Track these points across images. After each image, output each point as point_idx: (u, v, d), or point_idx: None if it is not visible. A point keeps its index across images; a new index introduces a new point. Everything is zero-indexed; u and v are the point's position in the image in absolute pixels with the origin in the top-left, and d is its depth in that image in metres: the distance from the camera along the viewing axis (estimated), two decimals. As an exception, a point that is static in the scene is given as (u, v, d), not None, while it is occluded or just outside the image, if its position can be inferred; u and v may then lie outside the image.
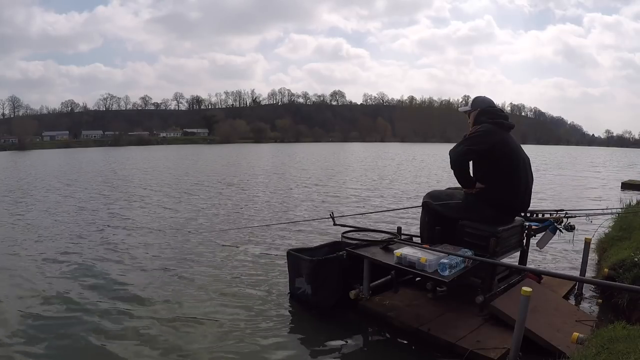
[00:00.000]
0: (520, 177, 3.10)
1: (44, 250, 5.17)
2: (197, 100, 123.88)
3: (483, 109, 3.20)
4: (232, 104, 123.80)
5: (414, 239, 3.72)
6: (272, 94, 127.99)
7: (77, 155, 39.29)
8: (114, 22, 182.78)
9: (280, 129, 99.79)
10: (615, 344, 2.05)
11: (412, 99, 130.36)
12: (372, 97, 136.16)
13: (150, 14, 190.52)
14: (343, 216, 4.91)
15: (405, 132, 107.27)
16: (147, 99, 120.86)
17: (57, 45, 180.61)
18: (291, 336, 3.01)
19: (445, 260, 2.74)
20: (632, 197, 6.90)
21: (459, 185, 3.22)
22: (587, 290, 3.64)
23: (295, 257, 3.45)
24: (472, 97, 3.43)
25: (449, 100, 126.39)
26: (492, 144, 3.01)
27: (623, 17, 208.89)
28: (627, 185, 12.04)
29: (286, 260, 3.60)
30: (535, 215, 3.58)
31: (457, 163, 3.07)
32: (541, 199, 8.82)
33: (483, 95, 3.35)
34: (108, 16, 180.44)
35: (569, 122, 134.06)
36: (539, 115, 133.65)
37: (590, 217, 3.86)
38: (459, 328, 2.79)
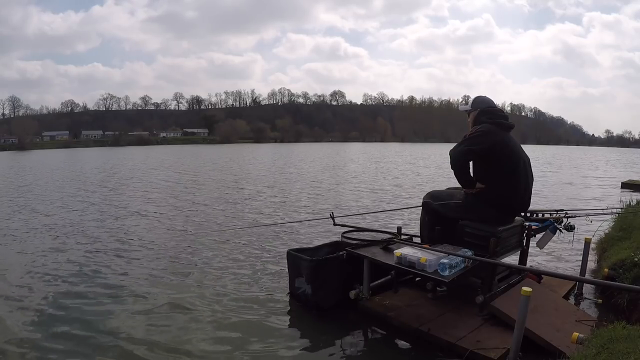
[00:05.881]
0: (520, 177, 3.10)
1: (44, 247, 5.18)
2: (197, 100, 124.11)
3: (483, 109, 3.20)
4: (232, 104, 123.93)
5: (414, 239, 3.72)
6: (272, 94, 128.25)
7: (78, 155, 39.26)
8: (111, 21, 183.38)
9: (280, 129, 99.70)
10: (615, 344, 2.05)
11: (412, 99, 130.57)
12: (372, 97, 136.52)
13: (146, 13, 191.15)
14: (343, 216, 4.91)
15: (405, 132, 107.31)
16: (147, 99, 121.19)
17: (54, 45, 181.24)
18: (291, 336, 3.01)
19: (445, 260, 2.74)
20: (632, 197, 6.89)
21: (459, 185, 3.22)
22: (587, 290, 3.63)
23: (295, 257, 3.45)
24: (472, 96, 3.43)
25: (449, 100, 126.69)
26: (492, 144, 3.01)
27: (623, 16, 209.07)
28: (627, 185, 12.04)
29: (286, 260, 3.60)
30: (535, 215, 3.58)
31: (458, 163, 3.07)
32: (541, 199, 8.82)
33: (483, 95, 3.35)
34: (104, 16, 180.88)
35: (568, 122, 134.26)
36: (538, 115, 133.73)
37: (590, 217, 3.86)
38: (459, 328, 2.79)
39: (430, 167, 21.08)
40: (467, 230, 3.09)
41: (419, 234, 3.58)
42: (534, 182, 3.28)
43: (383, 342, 2.94)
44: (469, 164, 3.10)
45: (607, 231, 4.63)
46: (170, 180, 14.27)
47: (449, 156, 3.11)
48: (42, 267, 4.51)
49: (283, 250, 4.29)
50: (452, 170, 3.12)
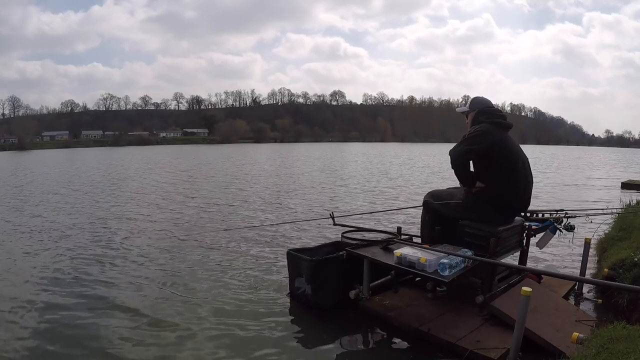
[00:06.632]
0: (519, 176, 3.10)
1: (28, 252, 5.14)
2: (197, 100, 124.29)
3: (481, 109, 3.21)
4: (232, 104, 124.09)
5: (414, 239, 3.72)
6: (272, 94, 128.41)
7: (77, 155, 39.20)
8: (110, 21, 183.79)
9: (280, 129, 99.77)
10: (615, 344, 2.05)
11: (412, 99, 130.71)
12: (372, 97, 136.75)
13: (145, 13, 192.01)
14: (343, 216, 4.90)
15: (405, 132, 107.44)
16: (147, 99, 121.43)
17: (54, 45, 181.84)
18: (291, 336, 3.01)
19: (445, 260, 2.74)
20: (632, 197, 6.89)
21: (460, 185, 3.22)
22: (587, 290, 3.64)
23: (295, 257, 3.45)
24: (472, 97, 3.44)
25: (448, 100, 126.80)
26: (491, 143, 3.01)
27: (623, 16, 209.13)
28: (627, 185, 12.03)
29: (286, 260, 3.60)
30: (535, 215, 3.58)
31: (458, 163, 3.08)
32: (541, 199, 8.81)
33: (482, 95, 3.36)
34: (103, 15, 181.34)
35: (568, 122, 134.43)
36: (538, 115, 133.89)
37: (590, 217, 3.86)
38: (459, 328, 2.79)
39: (430, 167, 21.08)
40: (467, 230, 3.10)
41: (419, 234, 3.58)
42: (533, 182, 3.28)
43: (383, 342, 2.94)
44: (469, 163, 3.11)
45: (607, 231, 4.63)
46: (167, 181, 14.26)
47: (449, 156, 3.11)
48: (25, 273, 4.29)
49: (283, 250, 4.29)
50: (453, 170, 3.13)
